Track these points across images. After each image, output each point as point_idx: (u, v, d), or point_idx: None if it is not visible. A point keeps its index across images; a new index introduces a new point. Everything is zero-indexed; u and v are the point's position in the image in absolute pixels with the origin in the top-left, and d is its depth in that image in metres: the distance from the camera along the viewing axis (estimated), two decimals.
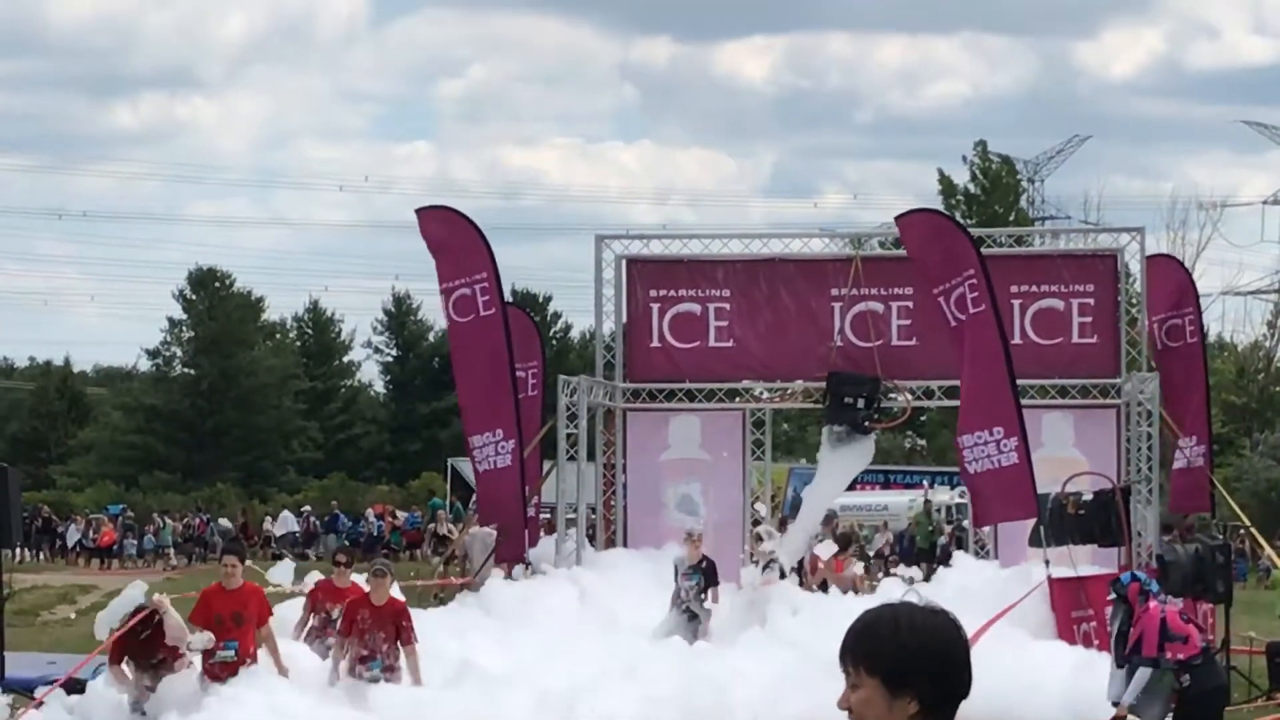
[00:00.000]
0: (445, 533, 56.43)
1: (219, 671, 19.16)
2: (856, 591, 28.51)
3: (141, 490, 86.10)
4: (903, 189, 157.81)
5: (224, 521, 69.36)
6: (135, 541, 64.54)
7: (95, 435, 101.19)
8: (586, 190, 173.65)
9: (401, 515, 68.63)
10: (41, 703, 21.05)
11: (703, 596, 25.76)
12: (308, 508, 72.83)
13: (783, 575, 26.74)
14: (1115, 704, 19.69)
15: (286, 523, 69.96)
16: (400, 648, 20.14)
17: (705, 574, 25.66)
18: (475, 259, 30.34)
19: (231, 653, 19.21)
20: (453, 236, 30.68)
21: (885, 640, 4.67)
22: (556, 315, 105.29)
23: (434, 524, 61.34)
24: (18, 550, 48.35)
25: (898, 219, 30.68)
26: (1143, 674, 19.35)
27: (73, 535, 65.54)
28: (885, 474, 65.31)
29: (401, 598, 21.95)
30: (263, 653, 19.92)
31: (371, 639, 19.91)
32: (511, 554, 29.99)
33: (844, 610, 24.86)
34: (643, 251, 34.11)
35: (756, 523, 26.50)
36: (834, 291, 32.73)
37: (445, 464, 74.02)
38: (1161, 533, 31.51)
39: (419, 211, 31.48)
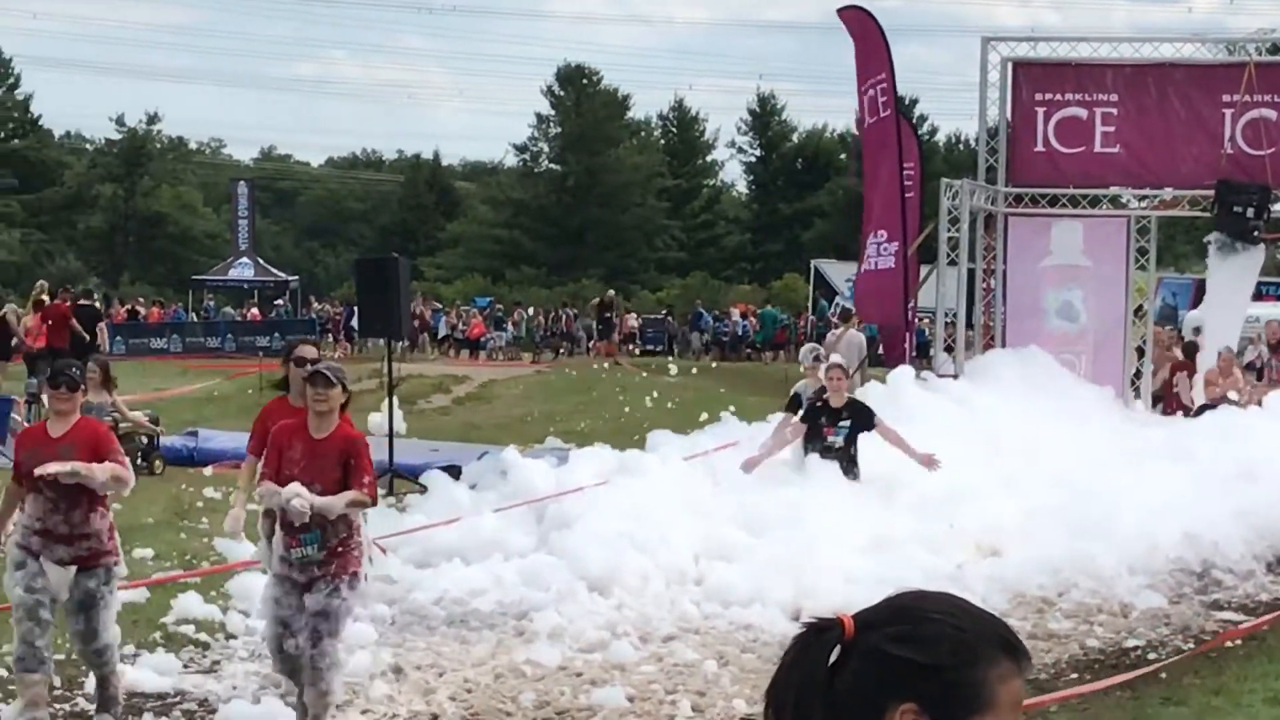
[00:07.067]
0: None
1: (52, 538, 11.76)
2: (1220, 403, 27.72)
3: (508, 284, 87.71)
4: None
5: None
6: (503, 333, 65.79)
7: (463, 229, 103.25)
8: None
9: None
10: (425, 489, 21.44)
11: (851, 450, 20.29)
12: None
13: None
14: None
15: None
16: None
17: (856, 417, 20.34)
18: (880, 60, 30.16)
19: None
20: (865, 37, 30.64)
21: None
22: (922, 118, 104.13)
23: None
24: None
25: None
26: None
27: (443, 327, 67.25)
28: (1258, 285, 63.39)
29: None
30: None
31: None
32: (894, 357, 29.82)
33: (1237, 423, 24.39)
34: (1029, 54, 33.30)
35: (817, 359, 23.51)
36: (1225, 98, 31.73)
37: (808, 265, 73.94)
38: None
39: (840, 11, 31.42)
